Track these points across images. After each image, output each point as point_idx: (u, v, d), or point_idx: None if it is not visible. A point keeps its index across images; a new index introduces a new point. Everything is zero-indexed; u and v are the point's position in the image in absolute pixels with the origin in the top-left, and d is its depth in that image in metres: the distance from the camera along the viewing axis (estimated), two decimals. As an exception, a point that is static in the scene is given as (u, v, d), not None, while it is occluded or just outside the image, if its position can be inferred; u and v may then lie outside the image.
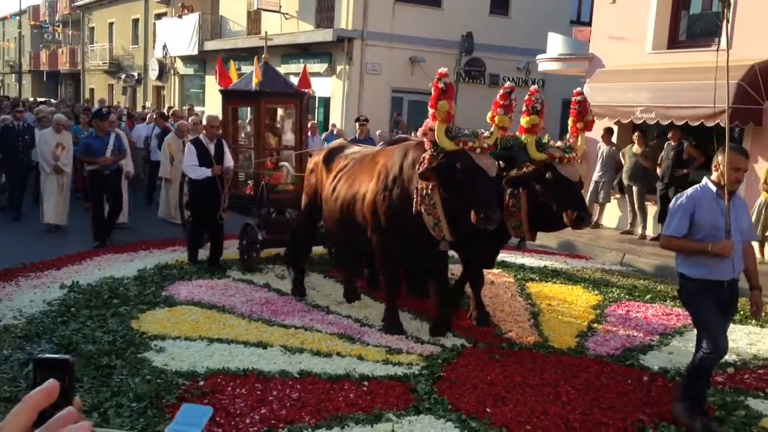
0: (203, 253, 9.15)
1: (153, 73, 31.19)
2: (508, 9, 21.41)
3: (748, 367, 6.20)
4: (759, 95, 10.77)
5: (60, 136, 11.05)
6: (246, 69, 24.53)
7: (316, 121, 18.82)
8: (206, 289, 7.91)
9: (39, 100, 25.50)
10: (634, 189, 12.39)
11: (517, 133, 6.67)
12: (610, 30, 13.45)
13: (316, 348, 6.09)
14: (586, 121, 6.89)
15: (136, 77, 30.86)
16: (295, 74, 22.30)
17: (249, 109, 11.32)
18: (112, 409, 4.66)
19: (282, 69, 22.62)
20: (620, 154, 12.79)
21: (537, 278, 9.20)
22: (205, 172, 8.63)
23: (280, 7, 21.91)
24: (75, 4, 39.66)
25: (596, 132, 13.31)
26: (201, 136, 8.99)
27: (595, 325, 7.30)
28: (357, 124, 13.70)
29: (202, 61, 27.27)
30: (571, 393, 5.36)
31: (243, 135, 11.00)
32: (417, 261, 6.62)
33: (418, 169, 5.81)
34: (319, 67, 20.67)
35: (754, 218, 9.59)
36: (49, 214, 11.05)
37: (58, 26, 45.08)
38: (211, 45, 25.71)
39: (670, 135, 12.02)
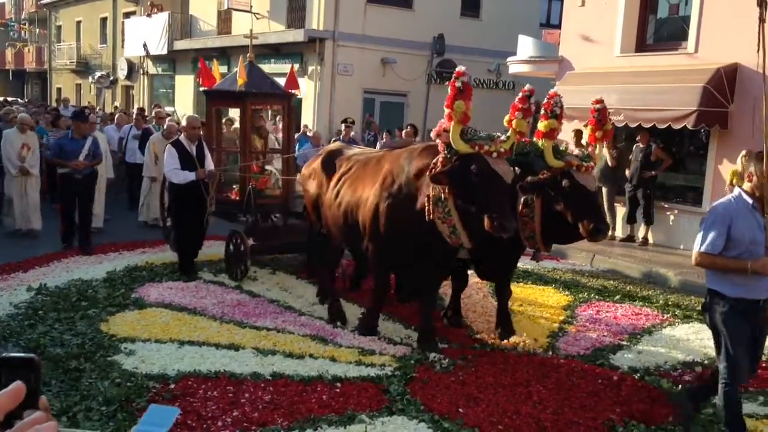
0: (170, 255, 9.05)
1: (122, 72, 30.80)
2: (479, 11, 21.56)
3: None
4: (725, 98, 10.98)
5: (25, 137, 10.61)
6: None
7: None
8: (177, 291, 7.83)
9: (8, 99, 24.80)
10: (604, 190, 12.54)
11: (534, 139, 6.35)
12: (579, 33, 13.61)
13: (288, 350, 6.07)
14: (605, 130, 6.60)
15: (110, 77, 30.19)
16: (273, 75, 22.45)
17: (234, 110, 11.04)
18: (81, 412, 4.59)
19: (253, 69, 22.60)
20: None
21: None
22: (189, 176, 8.23)
23: (251, 6, 21.79)
24: (41, 2, 39.00)
25: (566, 135, 13.48)
26: (181, 138, 8.60)
27: (566, 325, 7.37)
28: (343, 125, 13.57)
29: (171, 60, 27.02)
30: (542, 392, 5.41)
31: (227, 137, 10.68)
32: (420, 271, 6.21)
33: (431, 172, 5.52)
34: (290, 67, 20.59)
35: None
36: (18, 219, 10.63)
37: (24, 24, 44.31)
38: (180, 44, 25.48)
39: (638, 137, 12.20)
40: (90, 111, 12.94)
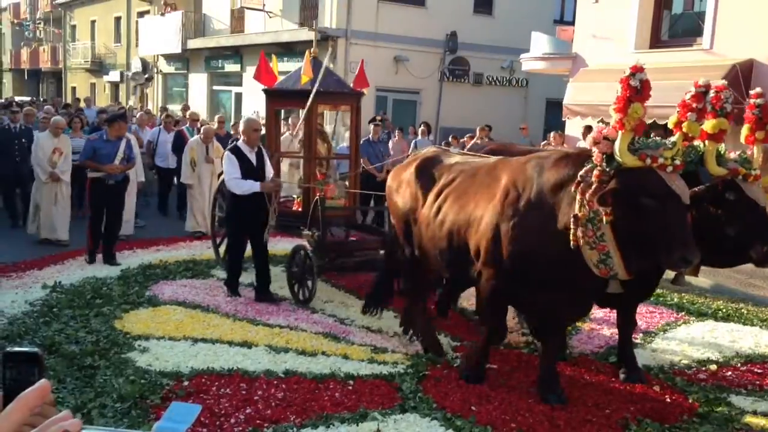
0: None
1: (136, 71, 30.96)
2: (492, 8, 21.47)
3: (730, 364, 6.26)
4: (740, 94, 10.87)
5: (57, 140, 9.97)
6: (229, 68, 24.60)
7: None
8: (190, 288, 7.87)
9: (24, 99, 24.77)
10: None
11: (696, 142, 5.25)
12: (593, 29, 13.53)
13: (301, 347, 6.08)
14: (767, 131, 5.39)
15: (146, 74, 29.53)
16: (280, 73, 22.48)
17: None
18: (95, 409, 4.63)
19: (266, 68, 22.66)
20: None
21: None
22: (254, 187, 7.29)
23: (264, 5, 21.83)
24: (56, 1, 39.26)
25: (576, 130, 13.45)
26: (240, 144, 7.59)
27: (579, 323, 7.33)
28: (372, 125, 12.81)
29: (185, 59, 27.13)
30: (555, 391, 5.39)
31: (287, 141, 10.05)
32: (551, 307, 5.09)
33: (578, 187, 4.56)
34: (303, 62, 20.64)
35: None
36: (45, 228, 10.00)
37: (39, 24, 44.64)
38: (194, 43, 25.58)
39: (652, 134, 12.09)
40: (126, 111, 12.25)
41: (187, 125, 13.39)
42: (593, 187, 4.49)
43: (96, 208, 8.98)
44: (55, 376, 5.10)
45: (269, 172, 7.69)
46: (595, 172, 4.53)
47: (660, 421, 4.89)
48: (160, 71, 29.46)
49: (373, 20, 19.68)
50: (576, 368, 5.95)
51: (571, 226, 4.58)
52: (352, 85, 8.91)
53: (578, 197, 4.56)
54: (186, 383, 5.17)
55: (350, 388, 5.25)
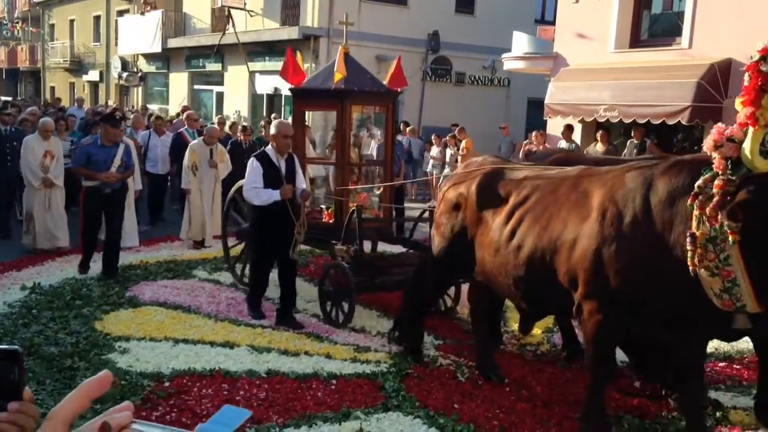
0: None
1: (116, 71, 30.70)
2: (474, 8, 21.55)
3: (709, 360, 6.31)
4: (719, 93, 11.01)
5: (48, 143, 9.27)
6: (210, 67, 24.46)
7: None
8: (171, 289, 7.82)
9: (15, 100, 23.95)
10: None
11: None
12: (573, 29, 13.63)
13: (283, 347, 6.07)
14: None
15: (139, 73, 28.46)
16: (261, 72, 22.42)
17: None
18: (75, 412, 4.57)
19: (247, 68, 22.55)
20: (584, 152, 12.98)
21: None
22: (273, 195, 6.54)
23: (245, 4, 21.74)
24: (34, 0, 38.85)
25: (557, 129, 13.54)
26: (268, 149, 6.81)
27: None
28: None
29: (165, 58, 26.95)
30: (537, 388, 5.42)
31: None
32: (670, 341, 4.47)
33: (705, 204, 3.80)
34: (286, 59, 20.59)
35: None
36: (40, 237, 9.28)
37: (17, 23, 44.10)
38: (174, 42, 25.42)
39: (632, 133, 12.22)
40: (122, 114, 10.79)
41: (186, 126, 12.35)
42: (715, 200, 3.75)
43: (90, 218, 8.20)
44: (34, 377, 5.05)
45: (301, 183, 6.90)
46: (717, 181, 3.78)
47: (641, 417, 4.93)
48: (140, 70, 29.24)
49: (355, 19, 19.61)
50: (557, 366, 5.98)
51: (688, 248, 3.83)
52: (386, 83, 8.12)
53: (696, 212, 3.83)
54: (167, 384, 5.14)
55: (333, 387, 5.25)
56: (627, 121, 11.92)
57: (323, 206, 8.05)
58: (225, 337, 6.25)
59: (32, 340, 5.90)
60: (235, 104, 22.76)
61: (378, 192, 8.39)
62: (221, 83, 24.26)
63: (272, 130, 6.89)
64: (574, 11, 13.65)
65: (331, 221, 7.64)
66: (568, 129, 13.19)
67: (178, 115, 15.14)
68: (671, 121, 11.15)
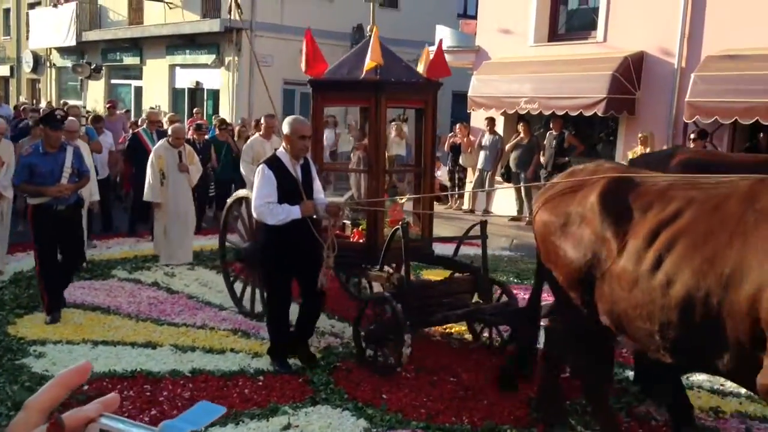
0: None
1: (27, 65, 29.41)
2: (398, 1, 21.64)
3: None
4: (632, 85, 11.42)
5: None
6: (128, 61, 23.67)
7: (204, 116, 18.33)
8: (89, 290, 7.55)
9: None
10: (522, 176, 12.84)
11: None
12: (494, 23, 13.86)
13: (208, 345, 5.96)
14: None
15: (92, 65, 24.21)
16: (182, 66, 21.86)
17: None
18: (-14, 420, 4.37)
19: (167, 61, 22.00)
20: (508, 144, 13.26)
21: (425, 266, 9.04)
22: (292, 213, 5.25)
23: (164, -5, 21.19)
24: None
25: (480, 121, 13.78)
26: (280, 153, 5.46)
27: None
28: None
29: (80, 52, 25.96)
30: (463, 375, 5.49)
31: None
32: None
33: None
34: (206, 58, 20.22)
35: None
36: None
37: None
38: (90, 35, 24.53)
39: (551, 125, 12.55)
40: (64, 113, 8.57)
41: (144, 127, 10.89)
42: None
43: (44, 245, 6.52)
44: (-60, 387, 4.78)
45: (318, 192, 5.64)
46: None
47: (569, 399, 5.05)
48: (54, 65, 28.10)
49: (278, 12, 19.46)
50: (482, 351, 6.08)
51: None
52: (423, 72, 6.72)
53: None
54: (86, 387, 4.95)
55: (260, 383, 5.19)
56: (547, 113, 12.23)
57: (346, 221, 6.65)
58: (147, 338, 6.09)
59: (-62, 347, 5.59)
60: (155, 99, 22.15)
61: (401, 202, 6.89)
62: (140, 77, 23.56)
63: (285, 129, 5.41)
64: (495, 5, 13.89)
65: (361, 240, 6.36)
66: (491, 121, 13.46)
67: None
68: (588, 113, 11.50)
